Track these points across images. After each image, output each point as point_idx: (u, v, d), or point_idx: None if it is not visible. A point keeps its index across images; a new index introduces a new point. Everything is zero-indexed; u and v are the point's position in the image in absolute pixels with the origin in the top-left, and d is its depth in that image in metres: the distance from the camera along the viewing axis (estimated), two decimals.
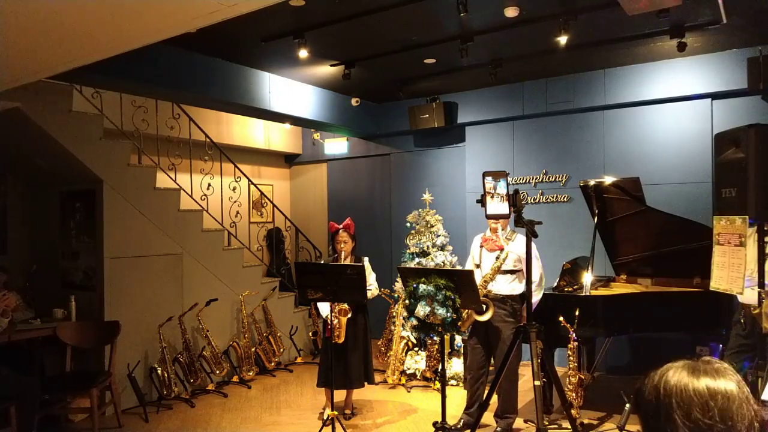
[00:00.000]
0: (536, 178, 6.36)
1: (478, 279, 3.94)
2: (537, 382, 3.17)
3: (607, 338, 5.22)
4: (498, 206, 2.94)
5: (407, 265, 5.63)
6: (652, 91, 5.59)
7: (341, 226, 4.56)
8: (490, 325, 4.04)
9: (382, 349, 6.12)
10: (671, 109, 5.62)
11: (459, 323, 3.57)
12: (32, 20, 2.79)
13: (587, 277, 4.47)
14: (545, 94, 6.18)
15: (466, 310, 3.78)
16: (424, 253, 5.82)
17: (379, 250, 7.53)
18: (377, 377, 5.83)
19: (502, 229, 4.10)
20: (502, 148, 6.59)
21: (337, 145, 8.16)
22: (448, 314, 3.46)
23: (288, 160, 8.77)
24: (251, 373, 5.87)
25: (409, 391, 5.47)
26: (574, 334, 4.10)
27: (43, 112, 4.55)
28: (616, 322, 4.33)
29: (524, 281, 4.03)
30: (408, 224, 6.07)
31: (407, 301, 3.60)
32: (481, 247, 4.22)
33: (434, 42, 4.92)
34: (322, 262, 4.64)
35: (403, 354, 5.75)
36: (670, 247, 4.72)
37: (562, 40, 4.49)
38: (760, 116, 5.19)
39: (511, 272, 4.08)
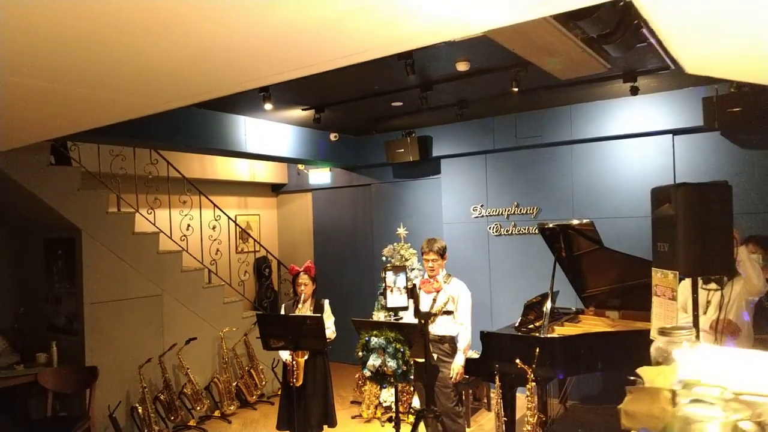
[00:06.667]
0: (509, 210, 6.49)
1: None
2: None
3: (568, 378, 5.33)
4: (397, 299, 3.11)
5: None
6: (614, 127, 5.72)
7: (302, 269, 4.72)
8: (429, 365, 4.18)
9: (359, 382, 6.26)
10: (635, 144, 5.74)
11: (409, 375, 3.72)
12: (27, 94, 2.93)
13: (545, 316, 4.58)
14: (515, 128, 6.33)
15: None
16: None
17: (361, 281, 7.67)
18: (354, 410, 6.00)
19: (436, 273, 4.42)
20: (475, 181, 6.73)
21: (320, 176, 8.34)
22: (398, 366, 3.61)
23: (275, 189, 8.96)
24: (232, 408, 6.04)
25: (383, 426, 5.61)
26: (532, 375, 4.22)
27: (22, 169, 4.73)
28: (574, 363, 4.43)
29: (457, 321, 4.33)
30: (383, 258, 6.21)
31: (360, 353, 3.75)
32: (420, 288, 4.37)
33: (396, 90, 5.09)
34: (291, 302, 4.76)
35: (378, 388, 5.89)
36: (634, 281, 4.82)
37: (516, 88, 4.64)
38: (721, 151, 5.31)
39: (448, 312, 4.23)
